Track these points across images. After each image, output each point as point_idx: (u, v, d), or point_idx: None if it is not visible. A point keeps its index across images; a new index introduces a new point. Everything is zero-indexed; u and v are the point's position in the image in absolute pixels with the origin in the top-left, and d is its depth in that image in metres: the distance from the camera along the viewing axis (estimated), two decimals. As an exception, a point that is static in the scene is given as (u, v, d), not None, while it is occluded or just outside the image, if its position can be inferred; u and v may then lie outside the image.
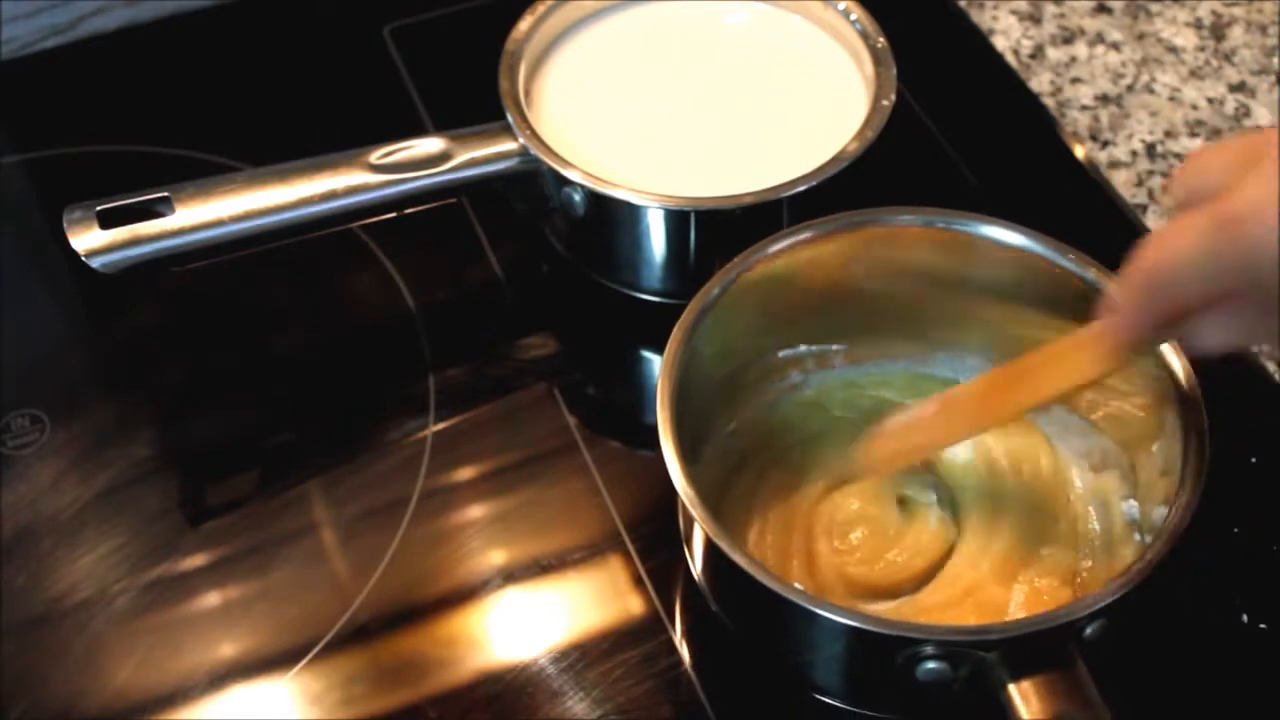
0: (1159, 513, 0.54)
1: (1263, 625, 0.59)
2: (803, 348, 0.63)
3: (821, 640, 0.54)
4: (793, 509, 0.60)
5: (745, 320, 0.60)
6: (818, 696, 0.56)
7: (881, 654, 0.51)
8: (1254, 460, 0.64)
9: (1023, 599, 0.56)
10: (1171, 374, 0.55)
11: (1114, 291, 0.48)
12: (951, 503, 0.60)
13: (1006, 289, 0.60)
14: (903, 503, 0.60)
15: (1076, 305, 0.58)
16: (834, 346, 0.63)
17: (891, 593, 0.58)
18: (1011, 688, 0.49)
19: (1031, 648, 0.49)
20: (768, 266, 0.59)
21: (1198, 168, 0.45)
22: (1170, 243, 0.44)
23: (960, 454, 0.61)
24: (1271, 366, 0.67)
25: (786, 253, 0.59)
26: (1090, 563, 0.57)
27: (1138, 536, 0.57)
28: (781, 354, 0.63)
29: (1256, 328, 0.45)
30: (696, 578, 0.58)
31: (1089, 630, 0.50)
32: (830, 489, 0.61)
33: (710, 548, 0.54)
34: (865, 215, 0.60)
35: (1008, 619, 0.56)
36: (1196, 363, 0.55)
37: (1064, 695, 0.48)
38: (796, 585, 0.56)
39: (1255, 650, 0.59)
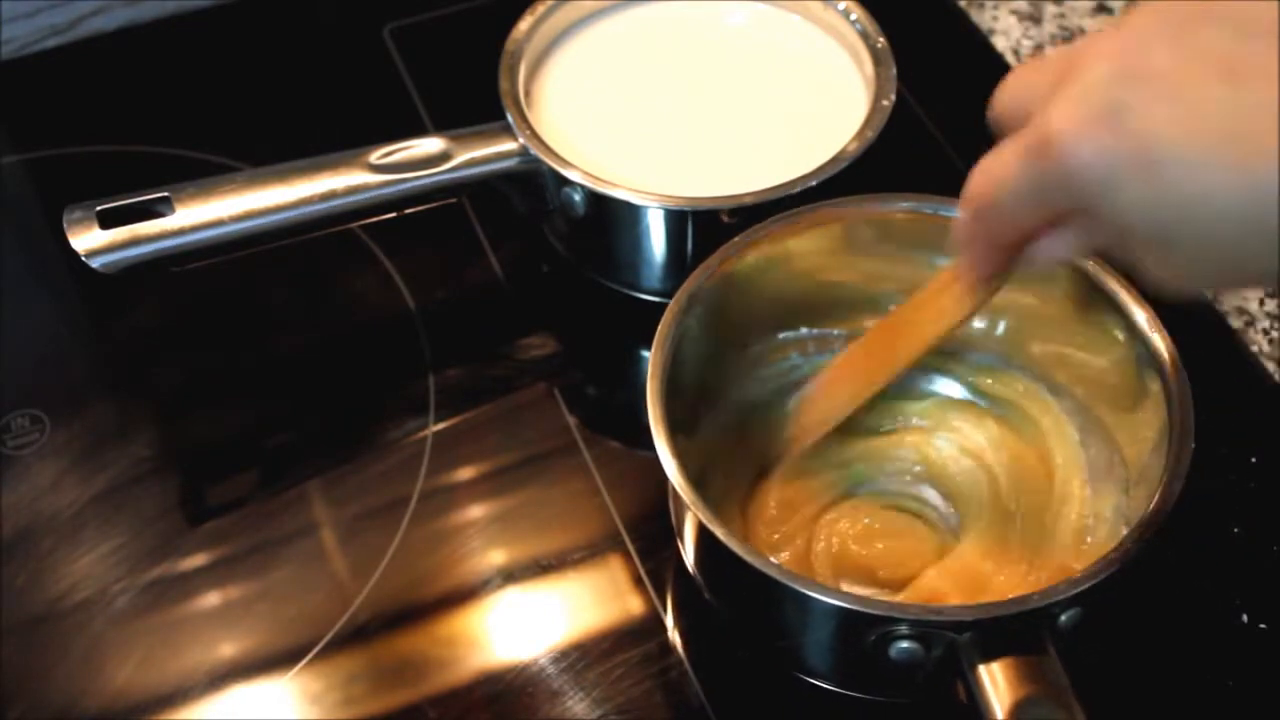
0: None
1: (1263, 625, 0.59)
2: (804, 330, 0.63)
3: (801, 619, 0.54)
4: (788, 495, 0.60)
5: (743, 301, 0.60)
6: (810, 682, 0.56)
7: (855, 632, 0.51)
8: (1254, 460, 0.64)
9: None
10: (1161, 373, 0.55)
11: (955, 228, 0.49)
12: (952, 511, 0.60)
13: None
14: (905, 511, 0.60)
15: (1067, 290, 0.59)
16: (834, 330, 0.64)
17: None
18: (981, 669, 0.49)
19: (1003, 631, 0.49)
20: (763, 250, 0.60)
21: (1013, 89, 0.46)
22: (992, 172, 0.45)
23: (963, 462, 0.61)
24: (1271, 366, 0.67)
25: (780, 237, 0.60)
26: (1082, 565, 0.57)
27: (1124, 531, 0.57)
28: (782, 335, 0.63)
29: (1090, 243, 0.46)
30: (689, 567, 0.58)
31: (1063, 618, 0.51)
32: (828, 476, 0.61)
33: (698, 529, 0.54)
34: (855, 201, 0.61)
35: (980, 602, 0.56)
36: (1191, 366, 0.55)
37: (1033, 680, 0.48)
38: (773, 560, 0.56)
39: (1255, 650, 0.59)
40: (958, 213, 0.48)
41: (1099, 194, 0.41)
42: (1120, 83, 0.40)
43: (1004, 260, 0.49)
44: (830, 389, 0.60)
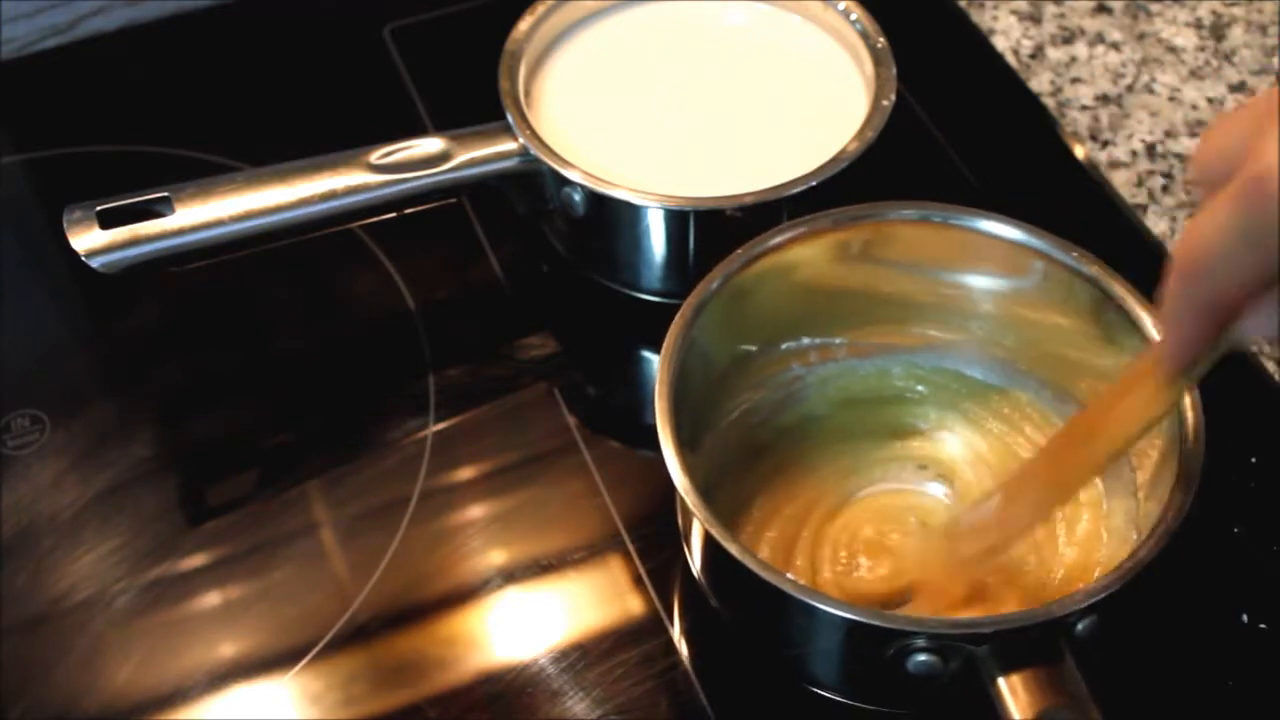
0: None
1: (1263, 625, 0.59)
2: (805, 340, 0.63)
3: (816, 632, 0.54)
4: (794, 503, 0.60)
5: (747, 312, 0.60)
6: (815, 690, 0.56)
7: (873, 646, 0.51)
8: (1254, 460, 0.64)
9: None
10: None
11: (1160, 311, 0.45)
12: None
13: (1004, 283, 0.60)
14: (914, 518, 0.60)
15: (1073, 299, 0.59)
16: (837, 339, 0.63)
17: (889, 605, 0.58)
18: (1001, 681, 0.49)
19: (1021, 642, 0.49)
20: (768, 260, 0.59)
21: (1211, 147, 0.43)
22: (1199, 230, 0.42)
23: (972, 468, 0.61)
24: (1271, 366, 0.67)
25: (786, 247, 0.59)
26: (1100, 569, 0.57)
27: (1135, 537, 0.57)
28: (785, 345, 0.63)
29: None
30: (695, 573, 0.58)
31: (1080, 626, 0.50)
32: (833, 484, 0.61)
33: (708, 540, 0.54)
34: (863, 210, 0.60)
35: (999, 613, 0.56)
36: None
37: (1052, 690, 0.48)
38: (790, 576, 0.56)
39: (1255, 650, 0.59)
40: (1160, 290, 0.44)
41: None
42: None
43: (1209, 338, 0.44)
44: (1004, 514, 0.55)
